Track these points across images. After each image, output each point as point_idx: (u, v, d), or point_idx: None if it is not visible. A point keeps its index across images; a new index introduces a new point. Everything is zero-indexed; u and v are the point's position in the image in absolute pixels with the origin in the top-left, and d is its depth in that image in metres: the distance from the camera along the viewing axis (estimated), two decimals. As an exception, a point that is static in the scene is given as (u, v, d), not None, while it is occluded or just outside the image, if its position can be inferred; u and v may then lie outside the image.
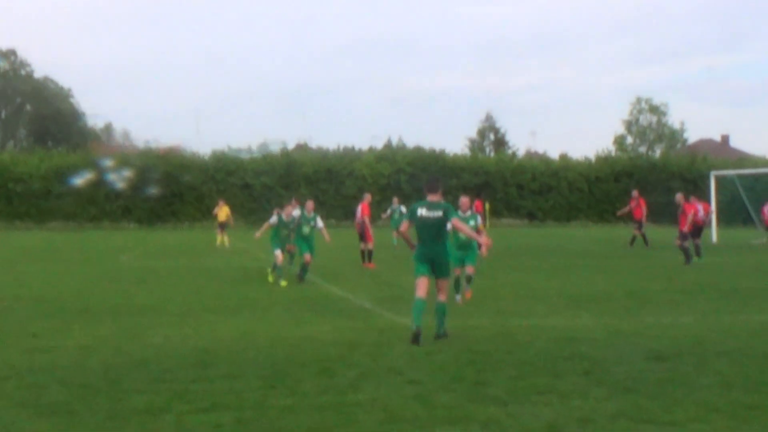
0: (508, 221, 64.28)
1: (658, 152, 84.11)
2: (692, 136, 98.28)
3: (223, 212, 40.96)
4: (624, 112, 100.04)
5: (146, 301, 18.49)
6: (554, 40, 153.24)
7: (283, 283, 21.64)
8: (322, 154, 66.71)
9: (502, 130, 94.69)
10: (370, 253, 27.57)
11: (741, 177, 48.24)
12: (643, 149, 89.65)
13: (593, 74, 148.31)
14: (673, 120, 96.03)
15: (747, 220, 49.82)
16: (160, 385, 10.12)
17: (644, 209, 36.20)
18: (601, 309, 17.02)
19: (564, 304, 17.85)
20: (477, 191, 51.18)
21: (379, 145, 72.48)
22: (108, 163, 60.69)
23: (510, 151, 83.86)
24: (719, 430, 8.23)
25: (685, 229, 28.07)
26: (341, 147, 69.65)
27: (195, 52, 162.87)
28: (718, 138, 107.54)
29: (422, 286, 13.72)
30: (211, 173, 62.30)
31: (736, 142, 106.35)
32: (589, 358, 11.86)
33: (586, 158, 70.41)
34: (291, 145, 75.29)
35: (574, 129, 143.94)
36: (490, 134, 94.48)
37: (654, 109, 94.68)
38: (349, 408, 9.03)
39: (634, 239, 35.87)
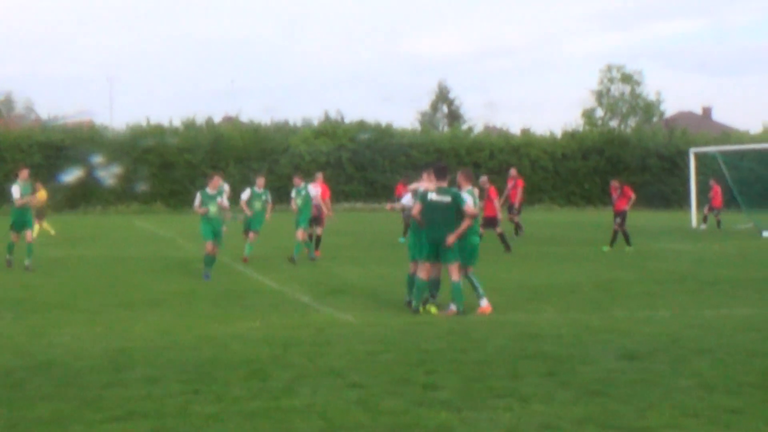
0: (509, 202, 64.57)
1: (631, 126, 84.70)
2: (670, 108, 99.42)
3: (39, 195, 38.70)
4: (593, 82, 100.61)
5: (52, 296, 18.37)
6: (514, 1, 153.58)
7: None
8: (254, 129, 66.30)
9: (457, 102, 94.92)
10: (318, 239, 27.60)
11: (724, 154, 48.79)
12: (614, 123, 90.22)
13: (559, 39, 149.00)
14: (649, 90, 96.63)
15: (731, 203, 50.51)
16: (68, 391, 10.03)
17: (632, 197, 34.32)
18: (566, 302, 17.19)
19: (526, 297, 18.00)
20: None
21: (317, 119, 72.17)
22: (98, 159, 59.68)
23: (465, 126, 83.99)
24: (696, 435, 8.35)
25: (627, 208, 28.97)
26: (275, 121, 69.46)
27: (108, 11, 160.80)
28: (699, 110, 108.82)
29: (426, 269, 16.08)
30: (126, 150, 61.63)
31: (719, 115, 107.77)
32: (553, 357, 11.94)
33: (551, 133, 70.81)
34: (218, 119, 74.78)
35: (537, 101, 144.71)
36: (443, 107, 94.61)
37: (627, 79, 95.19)
38: (282, 414, 9.02)
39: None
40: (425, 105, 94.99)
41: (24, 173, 24.39)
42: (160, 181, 59.81)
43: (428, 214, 16.11)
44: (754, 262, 25.48)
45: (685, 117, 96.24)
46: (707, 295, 18.32)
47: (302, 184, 26.90)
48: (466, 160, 65.12)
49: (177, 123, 65.22)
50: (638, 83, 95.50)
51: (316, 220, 27.89)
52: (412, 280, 16.94)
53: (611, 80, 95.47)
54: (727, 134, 74.55)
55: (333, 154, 62.98)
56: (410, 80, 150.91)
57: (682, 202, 51.23)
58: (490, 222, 28.67)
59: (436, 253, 16.10)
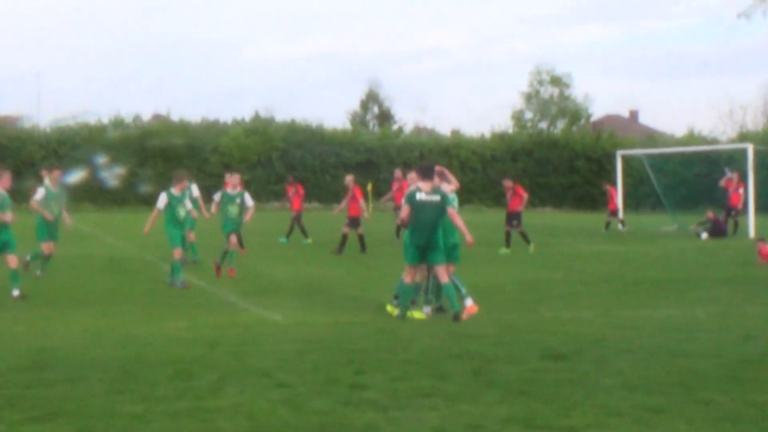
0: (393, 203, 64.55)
1: (560, 128, 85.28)
2: (598, 111, 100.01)
3: None
4: (523, 84, 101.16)
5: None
6: (447, 1, 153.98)
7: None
8: (183, 127, 65.73)
9: (387, 103, 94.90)
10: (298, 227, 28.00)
11: (650, 157, 49.37)
12: (543, 125, 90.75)
13: (490, 41, 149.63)
14: (577, 93, 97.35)
15: (656, 205, 51.04)
16: (-11, 391, 9.91)
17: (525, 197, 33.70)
18: (492, 302, 17.28)
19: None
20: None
21: (247, 117, 71.58)
22: (101, 159, 58.50)
23: (396, 126, 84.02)
24: (619, 434, 8.44)
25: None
26: (205, 119, 68.89)
27: (37, 8, 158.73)
28: (626, 113, 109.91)
29: (412, 272, 15.58)
30: (53, 147, 60.85)
31: (645, 118, 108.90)
32: (479, 356, 12.01)
33: (481, 135, 71.04)
34: (147, 117, 74.04)
35: (467, 102, 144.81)
36: (374, 107, 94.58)
37: (556, 81, 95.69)
38: (208, 415, 8.98)
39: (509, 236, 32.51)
40: (355, 105, 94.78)
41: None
42: (88, 179, 59.10)
43: (418, 217, 15.53)
44: (678, 264, 25.82)
45: (613, 120, 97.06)
46: (631, 296, 18.54)
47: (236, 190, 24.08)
48: (397, 161, 64.99)
49: (105, 121, 64.49)
50: (567, 86, 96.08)
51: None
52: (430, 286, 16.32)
53: (540, 83, 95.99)
54: (653, 137, 75.35)
55: (263, 154, 62.67)
56: (341, 80, 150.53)
57: (609, 204, 51.70)
58: (354, 222, 28.69)
59: (423, 255, 15.59)
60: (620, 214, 41.70)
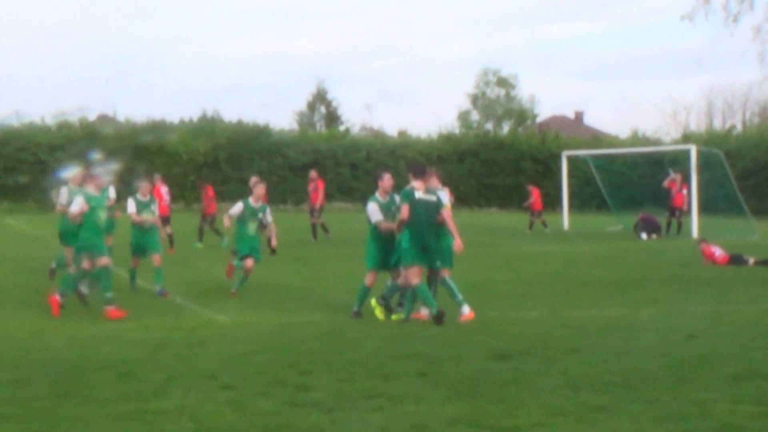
0: (340, 205, 64.32)
1: (506, 129, 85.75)
2: (544, 112, 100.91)
3: None
4: (470, 85, 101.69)
5: None
6: (392, 1, 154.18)
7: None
8: (130, 127, 65.24)
9: (335, 104, 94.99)
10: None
11: (595, 158, 49.74)
12: (490, 126, 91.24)
13: (437, 42, 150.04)
14: (523, 94, 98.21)
15: (601, 206, 51.39)
16: (-71, 395, 9.79)
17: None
18: (440, 303, 17.28)
19: (399, 297, 18.06)
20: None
21: (194, 117, 71.16)
22: (95, 155, 57.56)
23: (343, 127, 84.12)
24: (564, 433, 8.48)
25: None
26: (151, 119, 68.40)
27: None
28: (571, 115, 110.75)
29: (417, 273, 15.11)
30: (-1, 148, 60.23)
31: (590, 120, 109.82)
32: (425, 357, 12.05)
33: (428, 135, 71.20)
34: (92, 116, 73.40)
35: (414, 103, 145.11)
36: (321, 107, 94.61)
37: (502, 82, 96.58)
38: (153, 417, 8.93)
39: None
40: (303, 105, 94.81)
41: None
42: (34, 179, 58.48)
43: (417, 216, 15.04)
44: (622, 264, 25.99)
45: (558, 121, 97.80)
46: (577, 296, 18.65)
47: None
48: (344, 161, 65.10)
49: (49, 120, 63.86)
50: (513, 87, 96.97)
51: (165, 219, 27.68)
52: (366, 292, 15.94)
53: (487, 84, 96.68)
54: (598, 138, 75.94)
55: (210, 154, 62.34)
56: (288, 80, 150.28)
57: (555, 204, 51.95)
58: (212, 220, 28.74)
59: (426, 257, 15.16)
60: (542, 215, 41.72)
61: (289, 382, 10.54)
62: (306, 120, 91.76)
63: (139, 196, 19.24)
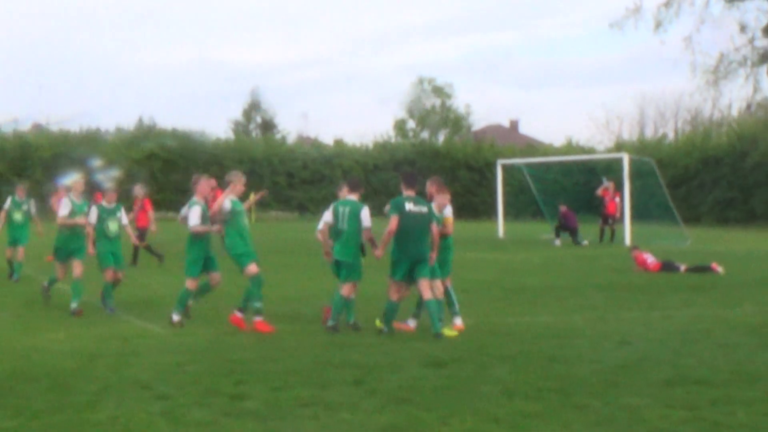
0: (277, 214, 64.24)
1: (442, 138, 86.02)
2: (479, 120, 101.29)
3: None
4: (405, 94, 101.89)
5: None
6: (327, 10, 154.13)
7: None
8: (63, 137, 64.61)
9: (270, 112, 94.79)
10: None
11: (529, 166, 50.06)
12: (426, 135, 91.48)
13: (373, 51, 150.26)
14: (459, 103, 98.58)
15: (536, 213, 51.72)
16: None
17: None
18: (374, 311, 17.28)
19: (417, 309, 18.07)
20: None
21: (130, 126, 70.65)
22: (96, 162, 56.36)
23: (279, 136, 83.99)
24: (498, 440, 8.52)
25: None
26: (85, 129, 67.79)
27: None
28: (506, 123, 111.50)
29: (399, 290, 14.90)
30: None
31: (525, 128, 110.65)
32: (360, 365, 12.06)
33: (363, 144, 71.40)
34: (26, 126, 72.58)
35: (350, 111, 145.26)
36: (257, 116, 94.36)
37: (438, 91, 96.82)
38: (85, 428, 8.86)
39: None
40: (238, 114, 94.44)
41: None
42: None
43: (406, 229, 14.66)
44: (557, 271, 26.18)
45: (494, 129, 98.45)
46: (511, 303, 18.74)
47: (24, 197, 23.91)
48: (280, 170, 64.99)
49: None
50: (449, 96, 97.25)
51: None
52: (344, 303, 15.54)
53: (423, 92, 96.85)
54: (532, 146, 76.62)
55: (144, 163, 61.93)
56: (224, 89, 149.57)
57: (490, 212, 52.28)
58: (142, 234, 28.12)
59: (411, 271, 14.81)
60: None
61: (224, 391, 10.50)
62: (241, 128, 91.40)
63: (104, 203, 18.22)
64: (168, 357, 12.62)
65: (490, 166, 57.39)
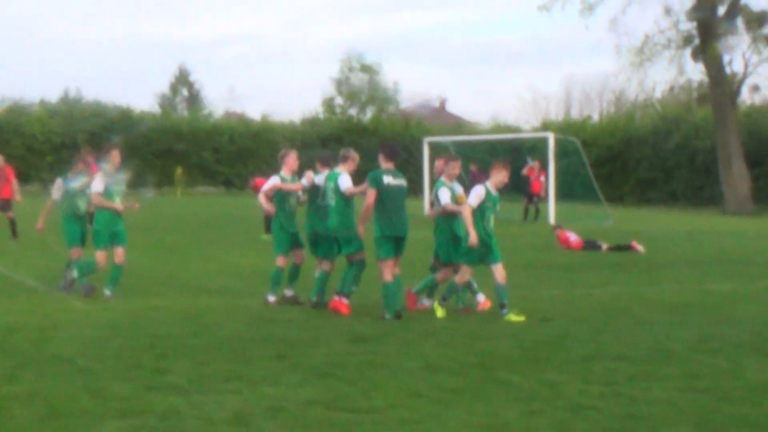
0: (204, 189, 63.84)
1: (370, 115, 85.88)
2: (407, 99, 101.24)
3: None
4: (334, 71, 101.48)
5: None
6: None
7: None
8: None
9: (197, 87, 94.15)
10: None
11: (456, 144, 50.18)
12: (353, 112, 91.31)
13: (300, 27, 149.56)
14: (387, 81, 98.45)
15: (464, 191, 51.85)
16: None
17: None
18: (299, 287, 17.29)
19: (261, 281, 17.99)
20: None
21: (54, 98, 69.76)
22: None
23: (206, 111, 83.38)
24: (420, 416, 8.56)
25: None
26: (6, 99, 66.72)
27: None
28: (435, 102, 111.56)
29: (390, 269, 14.21)
30: None
31: (453, 107, 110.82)
32: (284, 340, 12.06)
33: (291, 121, 71.13)
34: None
35: (277, 88, 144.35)
36: (183, 90, 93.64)
37: (366, 69, 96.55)
38: (3, 402, 8.75)
39: None
40: (165, 88, 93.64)
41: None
42: None
43: (386, 203, 14.11)
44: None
45: (421, 108, 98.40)
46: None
47: None
48: (206, 145, 64.54)
49: None
50: (377, 73, 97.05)
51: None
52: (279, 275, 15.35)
53: (351, 69, 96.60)
54: (460, 125, 76.82)
55: (68, 136, 61.16)
56: (150, 63, 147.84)
57: (417, 189, 52.40)
58: (5, 205, 27.93)
59: (396, 247, 14.28)
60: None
61: (146, 365, 10.45)
62: (168, 102, 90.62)
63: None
64: (90, 331, 12.52)
65: (417, 144, 57.45)
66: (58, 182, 16.85)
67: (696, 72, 59.07)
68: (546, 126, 65.20)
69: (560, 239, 26.11)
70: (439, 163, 16.10)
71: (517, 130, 68.35)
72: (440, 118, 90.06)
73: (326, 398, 9.07)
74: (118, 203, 15.80)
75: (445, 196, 14.92)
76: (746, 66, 56.71)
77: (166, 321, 13.43)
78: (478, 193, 14.43)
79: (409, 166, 63.66)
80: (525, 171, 39.58)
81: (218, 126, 67.88)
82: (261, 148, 65.49)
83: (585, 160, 42.45)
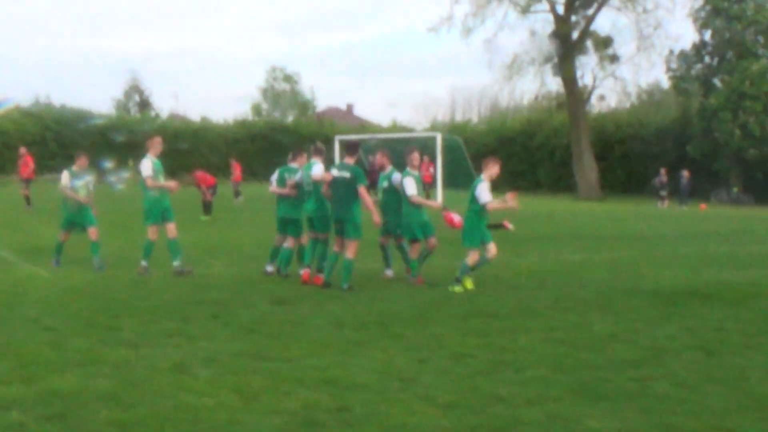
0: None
1: (291, 118, 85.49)
2: (321, 103, 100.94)
3: None
4: (261, 80, 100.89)
5: None
6: (198, 7, 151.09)
7: None
8: (-35, 109, 62.04)
9: (147, 93, 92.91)
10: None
11: (362, 141, 50.14)
12: (277, 115, 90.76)
13: (234, 42, 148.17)
14: (305, 88, 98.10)
15: (371, 185, 51.87)
16: None
17: (31, 167, 31.17)
18: (232, 259, 17.20)
19: (199, 255, 17.83)
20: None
21: (27, 103, 68.08)
22: (108, 164, 52.25)
23: (154, 113, 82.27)
24: (329, 363, 8.55)
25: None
26: (10, 100, 65.07)
27: None
28: (344, 106, 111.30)
29: (337, 242, 13.95)
30: None
31: (359, 111, 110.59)
32: (217, 302, 11.96)
33: (225, 121, 70.62)
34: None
35: (215, 94, 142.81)
36: (136, 96, 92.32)
37: (288, 78, 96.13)
38: (-21, 355, 8.55)
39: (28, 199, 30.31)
40: (119, 94, 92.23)
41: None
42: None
43: (332, 191, 13.98)
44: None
45: (333, 111, 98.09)
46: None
47: None
48: (154, 142, 63.46)
49: None
50: (296, 82, 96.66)
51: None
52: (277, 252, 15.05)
53: (275, 79, 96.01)
54: (364, 126, 76.77)
55: (38, 134, 59.90)
56: (107, 73, 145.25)
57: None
58: (26, 182, 27.79)
59: (340, 229, 13.96)
60: (238, 186, 40.66)
61: (101, 324, 10.29)
62: (123, 106, 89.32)
63: (75, 168, 16.00)
64: (54, 296, 12.29)
65: (329, 142, 57.33)
66: (65, 172, 15.88)
67: (555, 84, 60.01)
68: (434, 127, 65.59)
69: (446, 219, 26.11)
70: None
71: (411, 129, 68.54)
72: (348, 120, 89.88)
73: (252, 350, 9.03)
74: (82, 195, 15.61)
75: (410, 187, 15.12)
76: (594, 80, 57.83)
77: (118, 287, 13.23)
78: (487, 188, 14.30)
79: (324, 160, 63.68)
80: (417, 163, 39.70)
81: (164, 126, 67.03)
82: (200, 144, 64.86)
83: (466, 155, 42.81)
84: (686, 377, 8.23)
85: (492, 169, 14.50)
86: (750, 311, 12.10)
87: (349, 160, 14.18)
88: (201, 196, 29.57)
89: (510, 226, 25.65)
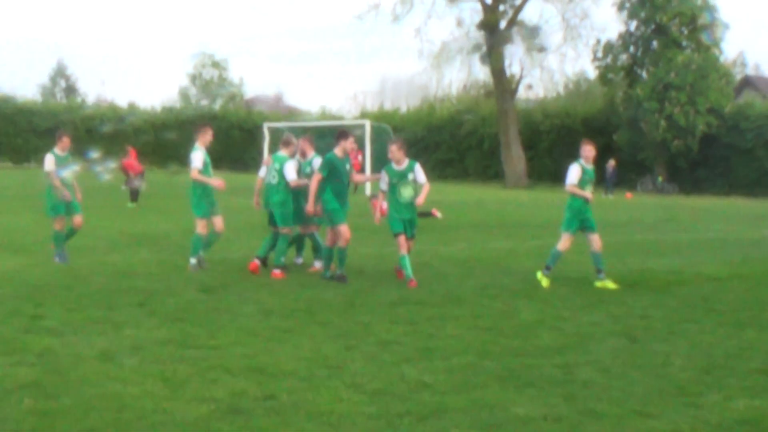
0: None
1: (219, 105, 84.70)
2: (250, 91, 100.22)
3: None
4: (189, 66, 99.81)
5: None
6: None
7: None
8: None
9: (74, 78, 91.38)
10: None
11: (291, 129, 49.95)
12: (206, 101, 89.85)
13: (162, 29, 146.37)
14: (234, 76, 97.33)
15: (300, 172, 51.62)
16: None
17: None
18: (159, 247, 17.04)
19: (125, 242, 17.65)
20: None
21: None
22: (94, 154, 50.06)
23: (80, 99, 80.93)
24: (256, 351, 8.54)
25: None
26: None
27: None
28: (272, 94, 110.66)
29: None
30: None
31: (289, 99, 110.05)
32: (144, 290, 11.84)
33: (153, 107, 69.82)
34: None
35: (142, 80, 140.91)
36: (62, 81, 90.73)
37: (216, 65, 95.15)
38: None
39: None
40: (45, 80, 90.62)
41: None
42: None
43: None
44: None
45: (262, 99, 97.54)
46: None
47: None
48: (81, 128, 62.56)
49: None
50: (225, 69, 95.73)
51: None
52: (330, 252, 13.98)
53: (204, 65, 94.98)
54: (293, 113, 76.43)
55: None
56: (32, 59, 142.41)
57: (258, 167, 51.99)
58: (138, 175, 27.36)
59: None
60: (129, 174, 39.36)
61: (26, 312, 10.12)
62: (48, 92, 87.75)
63: (57, 150, 15.17)
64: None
65: (259, 129, 56.97)
66: (50, 156, 14.97)
67: (483, 73, 60.36)
68: (364, 115, 65.58)
69: (375, 207, 26.27)
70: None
71: (340, 117, 68.45)
72: (277, 107, 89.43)
73: (179, 338, 8.97)
74: (68, 190, 14.81)
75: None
76: (522, 69, 58.25)
77: (42, 275, 13.02)
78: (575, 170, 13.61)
79: (252, 147, 63.21)
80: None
81: (90, 112, 66.09)
82: (126, 130, 63.95)
83: (395, 143, 42.88)
84: (610, 364, 8.38)
85: (587, 152, 13.66)
86: (674, 298, 12.37)
87: (284, 151, 14.41)
88: (127, 183, 29.16)
89: (438, 214, 25.94)
